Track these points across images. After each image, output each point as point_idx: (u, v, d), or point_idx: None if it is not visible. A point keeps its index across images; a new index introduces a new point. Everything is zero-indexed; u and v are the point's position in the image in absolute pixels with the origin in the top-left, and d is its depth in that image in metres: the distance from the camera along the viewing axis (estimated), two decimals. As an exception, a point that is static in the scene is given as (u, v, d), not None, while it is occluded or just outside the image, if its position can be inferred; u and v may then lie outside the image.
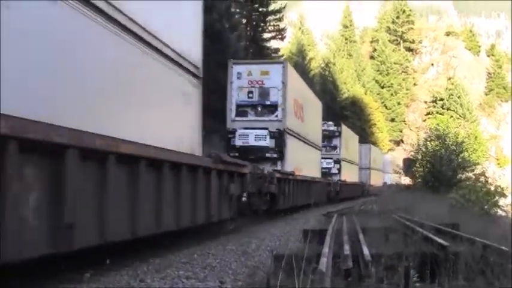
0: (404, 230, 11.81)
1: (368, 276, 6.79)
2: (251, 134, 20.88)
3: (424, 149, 35.99)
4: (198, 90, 11.30)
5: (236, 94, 21.35)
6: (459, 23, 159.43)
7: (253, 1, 53.97)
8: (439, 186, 31.75)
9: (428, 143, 36.21)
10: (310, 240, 10.76)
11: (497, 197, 21.72)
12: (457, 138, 36.65)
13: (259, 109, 21.42)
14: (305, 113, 25.94)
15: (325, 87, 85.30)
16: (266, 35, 58.38)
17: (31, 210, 5.51)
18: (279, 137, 21.17)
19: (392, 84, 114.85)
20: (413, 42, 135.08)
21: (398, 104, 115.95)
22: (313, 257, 7.52)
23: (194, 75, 11.03)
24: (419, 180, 36.14)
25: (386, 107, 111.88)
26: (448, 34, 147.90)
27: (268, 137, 20.94)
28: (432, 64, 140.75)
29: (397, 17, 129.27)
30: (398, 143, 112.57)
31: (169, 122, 9.71)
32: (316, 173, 29.93)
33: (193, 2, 11.53)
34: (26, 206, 5.40)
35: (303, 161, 25.52)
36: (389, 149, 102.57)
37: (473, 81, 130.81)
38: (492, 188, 23.12)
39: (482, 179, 28.44)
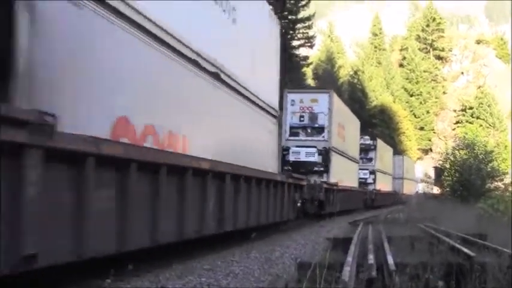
0: (430, 240, 11.68)
1: (392, 286, 6.71)
2: (302, 151, 25.45)
3: (452, 158, 35.64)
4: (276, 126, 15.92)
5: (290, 118, 25.85)
6: (490, 31, 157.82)
7: (283, 9, 54.00)
8: (467, 196, 31.37)
9: (456, 151, 35.87)
10: (334, 249, 10.72)
11: (526, 207, 21.38)
12: (486, 147, 36.25)
13: (309, 130, 25.97)
14: (346, 132, 30.24)
15: (353, 95, 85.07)
16: (295, 43, 58.39)
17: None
18: (325, 154, 25.62)
19: (421, 92, 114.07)
20: (443, 50, 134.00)
21: (427, 112, 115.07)
22: (337, 266, 7.48)
23: (274, 116, 15.56)
24: (448, 189, 35.77)
25: (415, 116, 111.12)
26: (478, 42, 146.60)
27: (316, 154, 25.50)
28: (462, 72, 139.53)
29: (427, 25, 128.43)
30: (427, 151, 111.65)
31: (261, 150, 14.36)
32: (354, 183, 34.26)
33: (276, 68, 16.17)
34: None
35: (344, 173, 29.27)
36: (418, 158, 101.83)
37: (503, 90, 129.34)
38: (522, 198, 22.83)
39: (511, 188, 28.11)
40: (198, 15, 9.76)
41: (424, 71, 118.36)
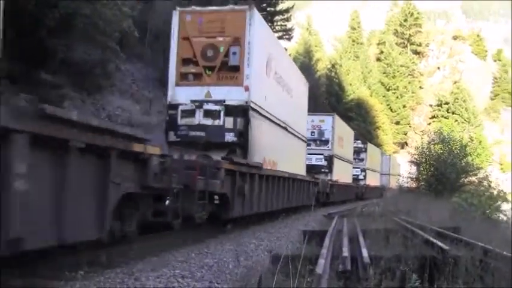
0: (405, 233, 11.73)
1: (366, 279, 6.71)
2: (313, 157, 33.39)
3: (427, 152, 35.82)
4: (305, 147, 27.82)
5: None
6: (467, 27, 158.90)
7: (261, 0, 53.90)
8: (442, 190, 31.58)
9: (432, 146, 36.05)
10: (309, 241, 10.71)
11: (499, 202, 21.58)
12: (461, 142, 36.47)
13: (318, 142, 34.77)
14: (344, 142, 39.84)
15: (331, 88, 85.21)
16: (273, 35, 58.25)
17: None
18: (330, 159, 34.98)
19: (398, 86, 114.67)
20: (420, 45, 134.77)
21: (404, 106, 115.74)
22: (312, 258, 7.46)
23: (304, 141, 26.98)
24: (423, 183, 35.97)
25: (391, 110, 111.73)
26: (455, 38, 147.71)
27: (323, 159, 34.59)
28: (438, 68, 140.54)
29: (405, 20, 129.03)
30: (402, 145, 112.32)
31: (300, 162, 26.04)
32: (349, 180, 43.09)
33: (306, 112, 28.34)
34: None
35: (343, 173, 38.82)
36: (394, 152, 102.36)
37: (479, 85, 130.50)
38: (495, 193, 23.00)
39: (485, 183, 28.31)
40: (282, 103, 20.29)
41: (401, 66, 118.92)
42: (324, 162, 34.38)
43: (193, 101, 15.56)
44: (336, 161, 35.64)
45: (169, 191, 10.16)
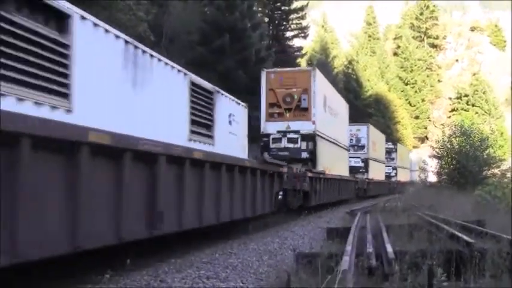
0: (428, 227, 11.65)
1: (391, 274, 6.68)
2: (352, 160, 37.74)
3: (449, 146, 35.58)
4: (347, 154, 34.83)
5: None
6: (484, 18, 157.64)
7: (276, 0, 53.95)
8: (464, 183, 31.37)
9: (453, 139, 35.80)
10: (333, 239, 10.68)
11: (524, 193, 21.34)
12: (482, 134, 36.19)
13: (356, 148, 40.57)
14: (377, 146, 46.38)
15: (348, 85, 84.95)
16: (289, 34, 58.28)
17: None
18: (366, 161, 41.23)
19: (416, 81, 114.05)
20: (437, 38, 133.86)
21: (423, 100, 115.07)
22: (337, 255, 7.44)
23: (347, 150, 33.93)
24: (445, 177, 35.73)
25: (410, 104, 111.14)
26: (472, 29, 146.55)
27: (360, 162, 40.41)
28: (457, 60, 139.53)
29: (421, 13, 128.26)
30: (423, 140, 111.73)
31: (345, 166, 33.87)
32: (382, 177, 49.87)
33: (347, 125, 35.34)
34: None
35: (377, 171, 45.58)
36: (414, 146, 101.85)
37: (498, 76, 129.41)
38: (519, 184, 22.77)
39: (508, 175, 28.03)
40: (332, 125, 26.98)
41: (419, 60, 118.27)
42: (361, 164, 40.56)
43: (279, 132, 23.28)
44: (370, 163, 42.41)
45: (286, 190, 19.25)
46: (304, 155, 23.08)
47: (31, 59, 6.70)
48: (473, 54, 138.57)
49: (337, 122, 29.43)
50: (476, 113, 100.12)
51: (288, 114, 23.37)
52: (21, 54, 6.52)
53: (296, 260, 7.84)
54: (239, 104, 15.56)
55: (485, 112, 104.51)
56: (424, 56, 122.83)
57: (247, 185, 13.72)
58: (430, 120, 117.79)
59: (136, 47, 9.35)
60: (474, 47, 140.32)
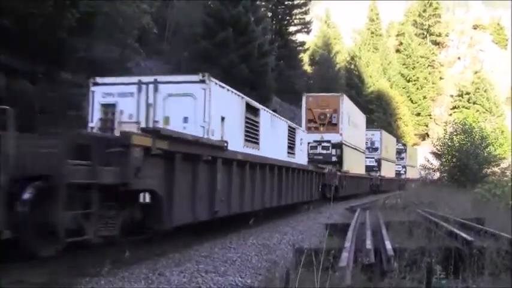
0: (428, 225, 11.66)
1: (390, 271, 6.68)
2: (367, 160, 43.36)
3: (450, 143, 35.57)
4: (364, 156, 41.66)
5: None
6: (487, 16, 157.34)
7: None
8: (464, 181, 31.36)
9: (454, 137, 35.79)
10: (332, 235, 10.69)
11: (524, 192, 21.32)
12: (483, 132, 36.18)
13: (370, 150, 45.84)
14: (388, 148, 53.14)
15: (350, 80, 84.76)
16: (292, 29, 58.22)
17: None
18: (379, 161, 47.16)
19: (418, 78, 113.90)
20: (439, 35, 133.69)
21: (424, 98, 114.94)
22: (335, 251, 7.43)
23: (363, 152, 40.93)
24: (445, 174, 35.75)
25: (412, 101, 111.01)
26: (475, 27, 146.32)
27: (374, 161, 46.06)
28: (459, 58, 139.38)
29: (424, 10, 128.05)
30: (423, 137, 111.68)
31: (363, 166, 41.64)
32: (393, 175, 56.19)
33: (364, 133, 42.60)
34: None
35: (387, 170, 51.55)
36: (415, 143, 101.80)
37: (500, 75, 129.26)
38: (519, 183, 22.74)
39: (508, 173, 28.02)
40: (353, 135, 35.24)
41: (421, 57, 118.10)
42: (375, 164, 46.36)
43: (315, 141, 30.52)
44: (383, 162, 48.93)
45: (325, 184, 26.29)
46: (334, 158, 30.90)
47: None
48: (475, 52, 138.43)
49: (357, 132, 37.95)
50: (477, 111, 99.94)
51: (322, 128, 31.70)
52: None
53: (295, 256, 7.84)
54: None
55: (486, 110, 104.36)
56: (427, 53, 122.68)
57: (306, 180, 23.02)
58: (431, 118, 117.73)
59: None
60: (476, 45, 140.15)
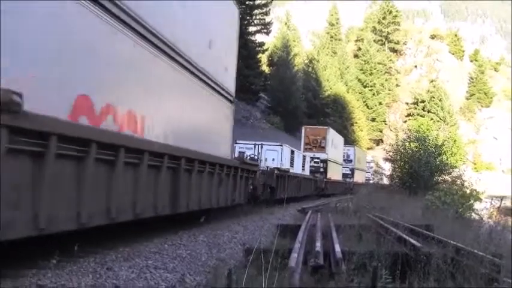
0: (378, 229, 11.78)
1: (338, 274, 6.72)
2: (343, 170, 55.63)
3: (403, 150, 36.04)
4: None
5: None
6: (445, 27, 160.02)
7: (241, -7, 53.94)
8: (416, 188, 31.83)
9: (407, 143, 36.28)
10: (283, 236, 10.72)
11: (472, 201, 21.73)
12: (437, 140, 36.76)
13: (346, 161, 57.35)
14: (361, 160, 66.40)
15: (308, 83, 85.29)
16: (251, 29, 58.28)
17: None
18: (352, 171, 58.93)
19: (375, 84, 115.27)
20: (398, 43, 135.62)
21: (380, 104, 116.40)
22: (285, 252, 7.46)
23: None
24: (397, 180, 36.22)
25: (367, 107, 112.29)
26: (433, 37, 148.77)
27: (349, 170, 57.99)
28: (416, 66, 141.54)
29: (384, 18, 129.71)
30: (378, 142, 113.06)
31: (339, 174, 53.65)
32: (364, 180, 66.18)
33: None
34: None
35: (360, 177, 63.80)
36: (369, 148, 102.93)
37: (455, 85, 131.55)
38: (468, 192, 23.16)
39: (458, 182, 28.55)
40: (335, 153, 51.16)
41: (379, 63, 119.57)
42: (349, 172, 58.67)
43: (311, 158, 41.53)
44: (356, 172, 61.24)
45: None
46: (321, 169, 44.38)
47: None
48: (432, 62, 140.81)
49: (337, 151, 52.07)
50: (432, 119, 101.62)
51: (314, 149, 45.37)
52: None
53: (245, 255, 7.84)
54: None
55: (440, 119, 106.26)
56: (384, 60, 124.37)
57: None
58: (385, 124, 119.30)
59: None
60: (433, 55, 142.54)
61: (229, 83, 16.05)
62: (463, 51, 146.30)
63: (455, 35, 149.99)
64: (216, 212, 15.29)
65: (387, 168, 41.22)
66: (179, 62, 11.08)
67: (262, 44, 61.34)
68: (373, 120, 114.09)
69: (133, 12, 8.55)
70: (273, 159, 27.56)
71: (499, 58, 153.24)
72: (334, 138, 50.88)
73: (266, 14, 59.20)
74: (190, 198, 11.64)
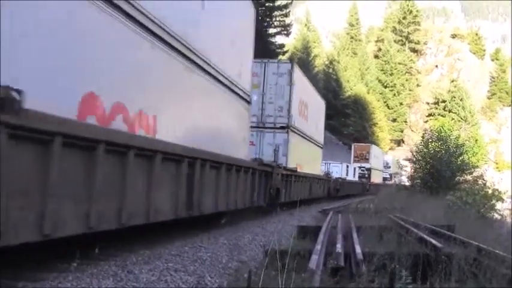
0: (399, 230, 11.73)
1: (359, 275, 6.70)
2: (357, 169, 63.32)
3: (425, 150, 35.84)
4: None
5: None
6: (465, 26, 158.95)
7: (260, -5, 53.94)
8: (437, 188, 31.64)
9: (430, 144, 36.06)
10: (304, 237, 10.71)
11: (494, 201, 21.58)
12: (458, 140, 36.52)
13: (362, 163, 64.19)
14: (378, 160, 70.98)
15: (328, 84, 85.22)
16: (271, 31, 58.24)
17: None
18: (369, 170, 63.68)
19: (395, 84, 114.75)
20: (418, 43, 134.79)
21: (401, 104, 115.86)
22: (306, 254, 7.45)
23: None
24: (418, 181, 36.01)
25: (388, 107, 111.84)
26: (453, 36, 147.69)
27: (365, 170, 63.04)
28: (436, 66, 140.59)
29: (404, 18, 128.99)
30: (399, 142, 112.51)
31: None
32: (380, 180, 71.01)
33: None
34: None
35: (377, 176, 67.81)
36: (390, 149, 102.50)
37: (476, 84, 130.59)
38: (490, 192, 23.00)
39: (480, 182, 28.33)
40: (377, 163, 70.18)
41: (399, 63, 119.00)
42: (366, 172, 62.73)
43: (359, 167, 61.23)
44: (372, 171, 65.11)
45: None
46: (366, 175, 58.34)
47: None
48: (452, 61, 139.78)
49: (378, 160, 68.35)
50: (453, 119, 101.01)
51: (360, 160, 61.13)
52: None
53: (265, 256, 7.84)
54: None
55: (461, 119, 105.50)
56: (405, 60, 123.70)
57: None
58: (406, 124, 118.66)
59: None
60: (454, 54, 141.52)
61: (246, 82, 15.76)
62: (484, 51, 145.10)
63: (476, 34, 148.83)
64: (239, 213, 15.29)
65: (408, 168, 40.66)
66: (195, 62, 10.87)
67: (282, 46, 61.28)
68: (394, 120, 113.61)
69: (150, 13, 8.40)
70: (337, 172, 46.83)
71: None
72: (375, 151, 68.25)
73: (286, 15, 59.07)
74: (206, 200, 11.23)
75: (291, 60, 24.41)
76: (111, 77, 7.74)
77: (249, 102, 16.13)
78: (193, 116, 11.12)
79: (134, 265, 8.02)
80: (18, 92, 5.12)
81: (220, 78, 12.72)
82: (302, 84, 25.72)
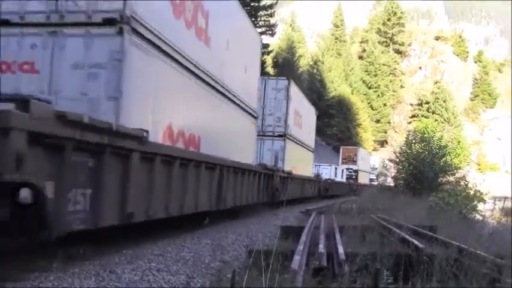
0: (381, 230, 11.77)
1: (341, 275, 6.72)
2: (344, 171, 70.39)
3: (408, 151, 35.93)
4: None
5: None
6: (449, 28, 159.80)
7: (245, -5, 53.86)
8: (420, 189, 31.74)
9: (412, 145, 36.16)
10: (286, 237, 10.73)
11: (475, 202, 21.69)
12: (441, 141, 36.64)
13: (350, 164, 70.69)
14: (364, 161, 75.65)
15: (312, 84, 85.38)
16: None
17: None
18: (356, 172, 68.58)
19: (379, 85, 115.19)
20: (402, 44, 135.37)
21: (384, 105, 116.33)
22: (288, 254, 7.47)
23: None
24: (401, 181, 36.11)
25: (372, 108, 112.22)
26: (437, 38, 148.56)
27: (353, 172, 68.25)
28: (420, 67, 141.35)
29: (388, 19, 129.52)
30: (382, 143, 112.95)
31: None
32: (367, 181, 74.67)
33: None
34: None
35: (364, 178, 73.19)
36: (373, 149, 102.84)
37: (459, 86, 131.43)
38: (471, 193, 23.11)
39: (462, 183, 28.47)
40: (363, 165, 74.45)
41: (383, 64, 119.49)
42: (353, 174, 67.34)
43: (346, 168, 67.65)
44: (359, 173, 69.25)
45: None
46: (354, 176, 64.27)
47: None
48: (436, 63, 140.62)
49: (365, 162, 71.58)
50: (436, 120, 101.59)
51: (348, 162, 66.70)
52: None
53: (248, 257, 7.84)
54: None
55: (444, 120, 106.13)
56: (389, 61, 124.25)
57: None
58: (390, 125, 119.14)
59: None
60: (438, 56, 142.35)
61: (253, 101, 19.68)
62: (467, 53, 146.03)
63: (460, 36, 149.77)
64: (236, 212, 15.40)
65: (392, 169, 40.64)
66: (225, 95, 15.09)
67: (267, 46, 61.28)
68: (378, 121, 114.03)
69: (195, 61, 12.23)
70: (326, 173, 51.43)
71: (503, 59, 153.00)
72: (362, 154, 73.40)
73: (271, 15, 59.07)
74: (230, 196, 15.12)
75: (287, 77, 28.66)
76: (179, 113, 11.68)
77: (256, 118, 20.27)
78: (223, 135, 15.26)
79: (117, 264, 8.00)
80: (146, 131, 8.73)
81: (239, 103, 16.99)
82: (297, 97, 29.81)
